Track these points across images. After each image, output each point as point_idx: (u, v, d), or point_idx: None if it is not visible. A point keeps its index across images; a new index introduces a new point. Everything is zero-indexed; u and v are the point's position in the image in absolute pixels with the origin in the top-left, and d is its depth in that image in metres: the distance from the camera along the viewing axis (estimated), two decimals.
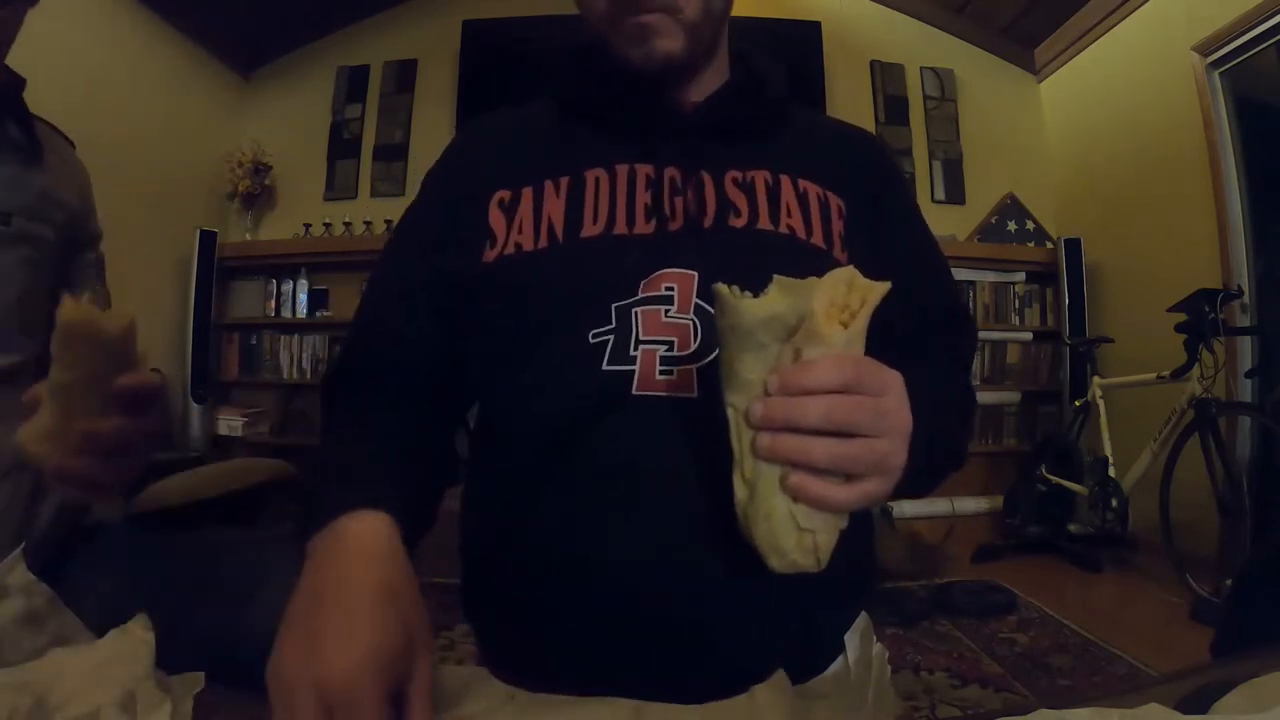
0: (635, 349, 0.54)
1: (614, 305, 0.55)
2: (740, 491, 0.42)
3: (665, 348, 0.53)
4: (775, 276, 0.40)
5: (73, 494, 0.51)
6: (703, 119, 0.62)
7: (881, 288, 0.40)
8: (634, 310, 0.55)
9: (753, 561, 0.50)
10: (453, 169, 0.68)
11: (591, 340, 0.54)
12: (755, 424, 0.39)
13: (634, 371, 0.53)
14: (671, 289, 0.55)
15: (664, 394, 0.53)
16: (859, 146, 0.69)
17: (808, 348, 0.39)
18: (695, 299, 0.54)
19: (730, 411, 0.42)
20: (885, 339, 0.61)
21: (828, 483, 0.40)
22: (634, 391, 0.53)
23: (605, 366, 0.54)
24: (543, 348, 0.56)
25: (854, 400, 0.39)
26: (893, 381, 0.42)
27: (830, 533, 0.41)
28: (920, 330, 0.63)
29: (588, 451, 0.54)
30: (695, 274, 0.55)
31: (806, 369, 0.39)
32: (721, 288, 0.40)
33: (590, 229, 0.58)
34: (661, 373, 0.53)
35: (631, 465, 0.53)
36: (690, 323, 0.54)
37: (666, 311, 0.54)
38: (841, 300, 0.40)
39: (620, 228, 0.58)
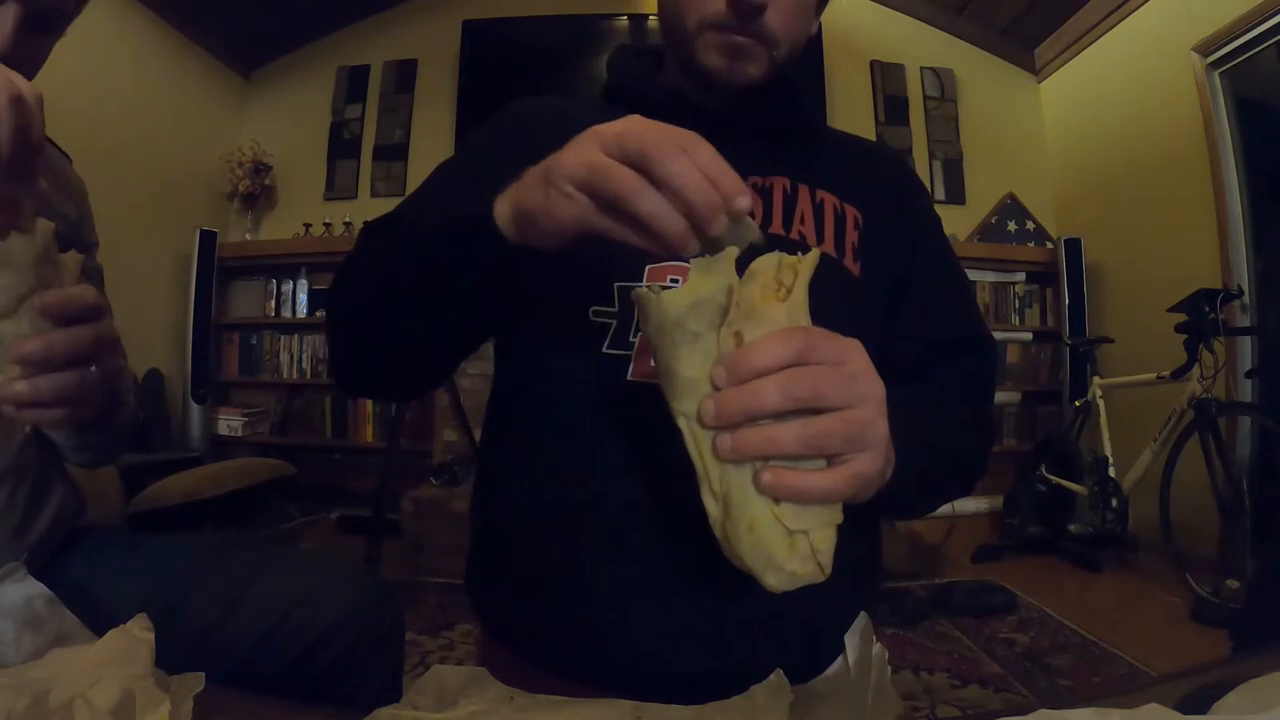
0: (635, 335, 0.55)
1: (617, 284, 0.56)
2: (712, 509, 0.36)
3: None
4: (691, 259, 0.38)
5: (29, 418, 0.49)
6: (733, 123, 0.63)
7: (811, 256, 0.37)
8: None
9: None
10: (499, 131, 0.69)
11: (593, 318, 0.55)
12: (709, 423, 0.35)
13: (631, 357, 0.54)
14: (676, 281, 0.56)
15: (657, 382, 0.53)
16: (884, 164, 0.70)
17: (749, 329, 0.35)
18: None
19: (681, 421, 0.37)
20: (899, 357, 0.62)
21: (807, 470, 0.35)
22: (629, 378, 0.54)
23: (605, 350, 0.55)
24: (545, 321, 0.57)
25: (813, 369, 0.35)
26: (852, 348, 0.38)
27: (826, 530, 0.36)
28: (934, 349, 0.64)
29: (586, 440, 0.55)
30: None
31: (752, 348, 0.35)
32: (639, 290, 0.38)
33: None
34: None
35: (627, 457, 0.53)
36: None
37: None
38: (774, 281, 0.37)
39: None
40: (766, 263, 0.37)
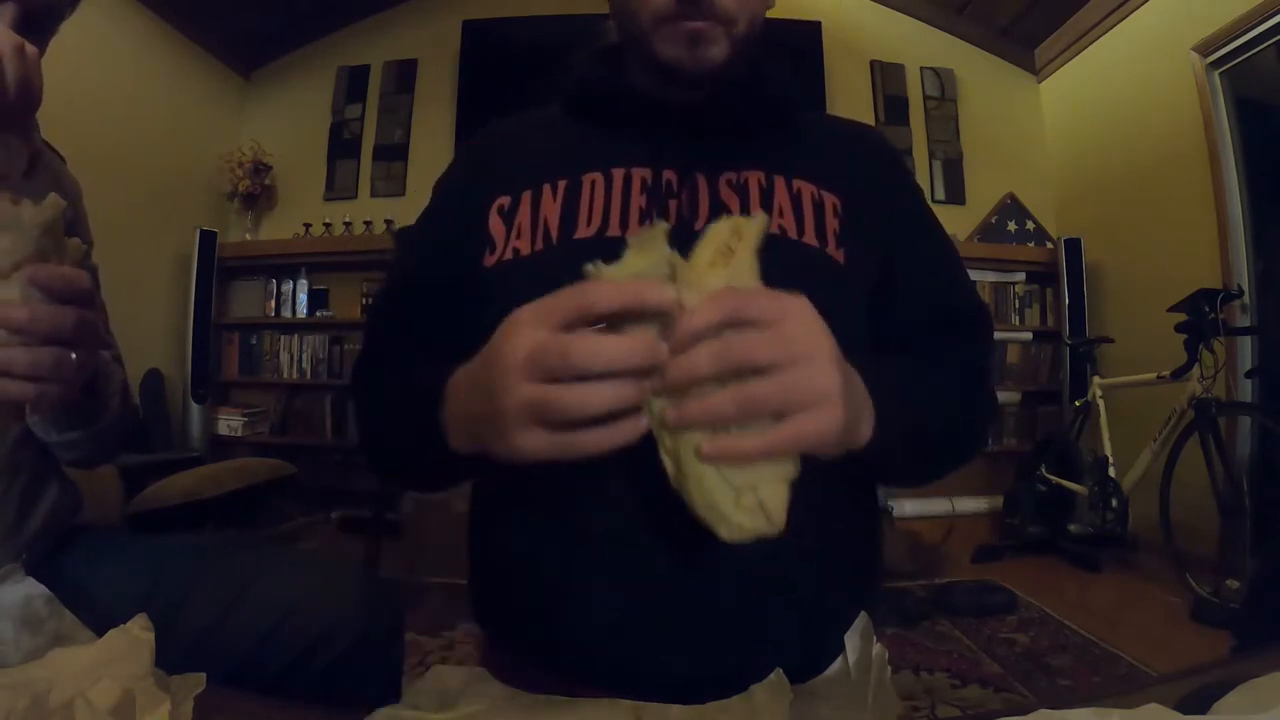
0: None
1: None
2: (669, 467, 0.39)
3: None
4: (626, 237, 0.39)
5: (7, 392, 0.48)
6: (703, 120, 0.62)
7: (758, 220, 0.38)
8: None
9: (751, 560, 0.50)
10: (458, 178, 0.69)
11: None
12: (658, 392, 0.36)
13: None
14: None
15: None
16: (860, 144, 0.69)
17: (689, 298, 0.36)
18: None
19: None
20: (893, 335, 0.61)
21: (744, 435, 0.36)
22: None
23: None
24: None
25: (746, 335, 0.36)
26: (793, 305, 0.37)
27: (774, 485, 0.38)
28: (927, 326, 0.63)
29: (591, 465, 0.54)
30: None
31: (685, 317, 0.36)
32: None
33: (584, 230, 0.59)
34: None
35: (625, 467, 0.53)
36: None
37: None
38: (725, 247, 0.38)
39: (613, 229, 0.58)
40: (720, 229, 0.38)
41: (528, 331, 0.38)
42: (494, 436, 0.40)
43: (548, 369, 0.36)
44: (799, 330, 0.37)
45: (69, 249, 0.50)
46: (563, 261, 0.57)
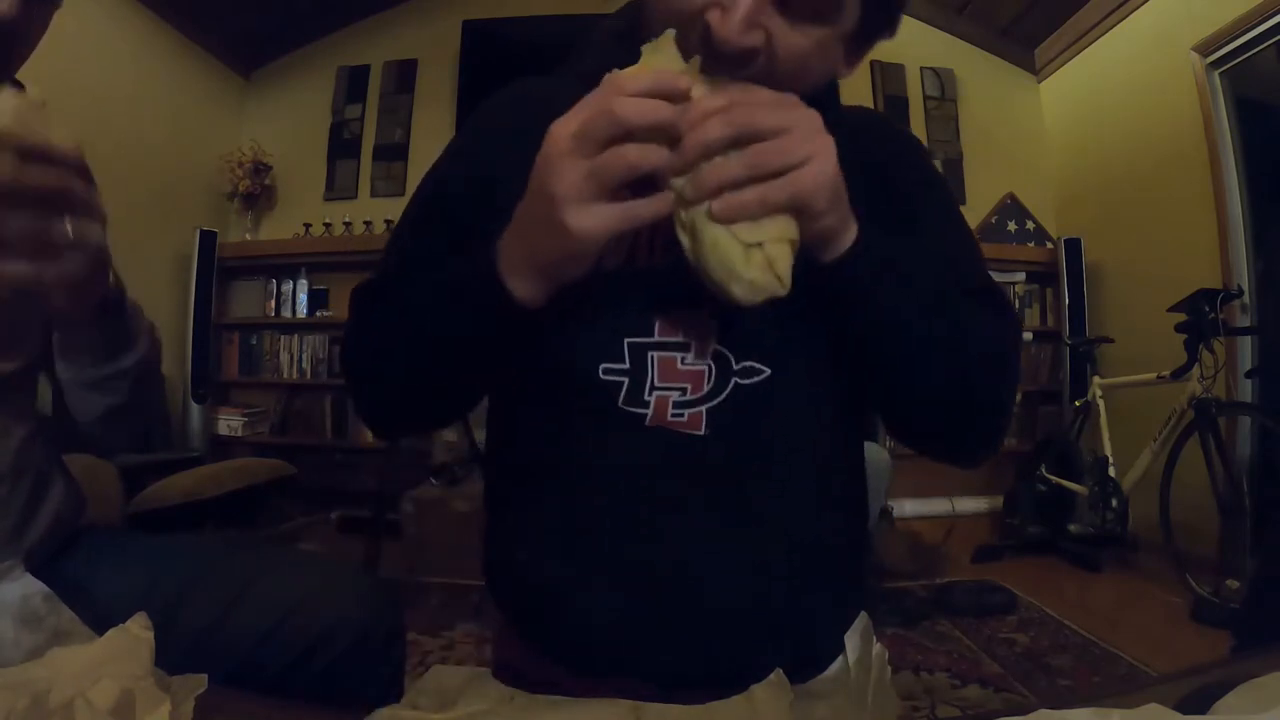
0: (650, 394, 0.53)
1: (627, 340, 0.54)
2: (684, 240, 0.43)
3: (679, 393, 0.53)
4: (643, 46, 0.45)
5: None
6: None
7: None
8: (650, 354, 0.53)
9: (752, 565, 0.50)
10: (472, 148, 0.66)
11: (603, 376, 0.53)
12: (679, 166, 0.41)
13: (647, 414, 0.53)
14: (690, 335, 0.54)
15: (673, 430, 0.53)
16: (867, 135, 0.65)
17: (698, 93, 0.43)
18: (714, 345, 0.53)
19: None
20: None
21: (747, 190, 0.41)
22: (647, 424, 0.53)
23: (620, 406, 0.53)
24: (553, 372, 0.55)
25: (748, 105, 0.42)
26: (785, 96, 0.44)
27: (779, 244, 0.42)
28: None
29: (597, 472, 0.55)
30: (714, 320, 0.53)
31: (697, 100, 0.42)
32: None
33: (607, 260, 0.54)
34: (674, 416, 0.53)
35: (640, 487, 0.54)
36: (705, 369, 0.53)
37: (683, 359, 0.53)
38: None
39: (641, 252, 0.55)
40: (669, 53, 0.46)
41: (569, 124, 0.42)
42: (555, 235, 0.43)
43: (595, 136, 0.41)
44: (793, 104, 0.44)
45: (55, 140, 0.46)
46: (583, 287, 0.56)
